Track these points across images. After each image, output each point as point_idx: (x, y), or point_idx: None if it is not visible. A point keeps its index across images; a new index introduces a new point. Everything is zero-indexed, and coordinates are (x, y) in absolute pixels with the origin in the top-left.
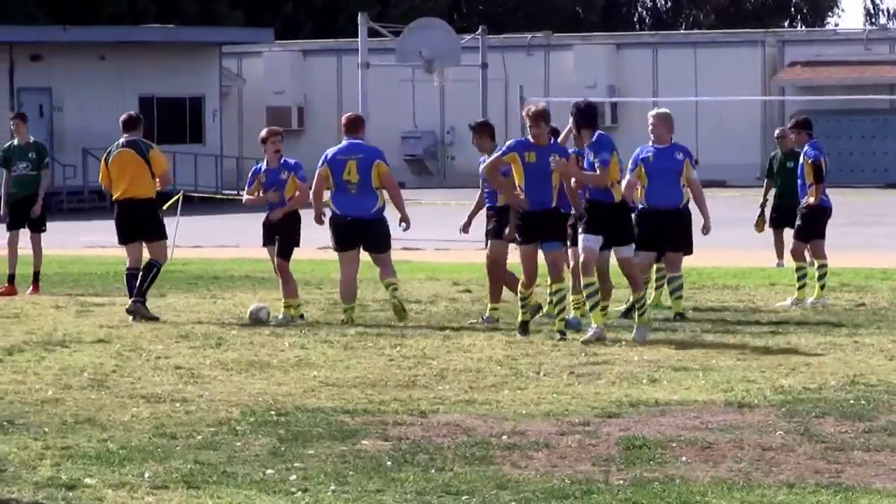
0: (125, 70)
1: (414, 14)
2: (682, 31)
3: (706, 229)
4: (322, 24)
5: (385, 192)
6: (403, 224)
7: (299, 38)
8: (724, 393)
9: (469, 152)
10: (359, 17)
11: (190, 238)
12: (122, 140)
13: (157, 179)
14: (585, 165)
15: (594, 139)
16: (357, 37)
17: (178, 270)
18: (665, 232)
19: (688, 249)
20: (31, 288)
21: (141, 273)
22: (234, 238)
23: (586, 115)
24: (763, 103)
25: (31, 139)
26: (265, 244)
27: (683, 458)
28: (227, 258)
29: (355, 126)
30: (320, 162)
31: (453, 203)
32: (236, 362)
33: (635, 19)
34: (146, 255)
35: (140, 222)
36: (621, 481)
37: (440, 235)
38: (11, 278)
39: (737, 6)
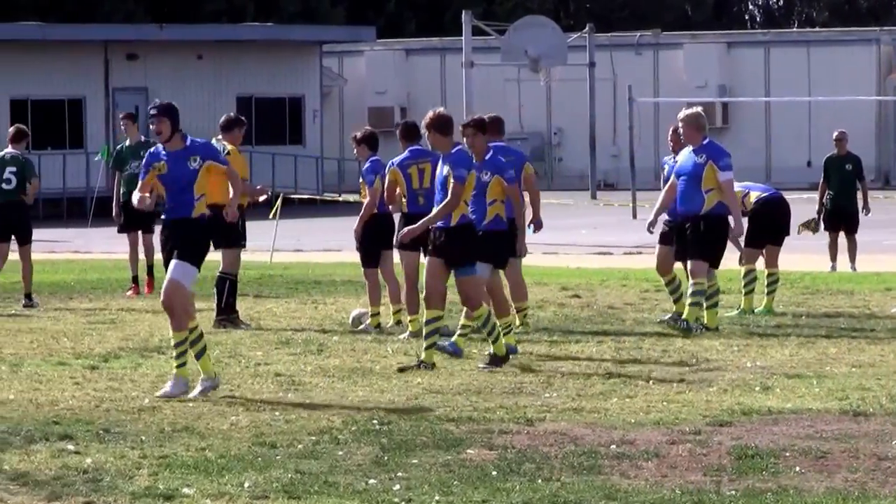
0: (223, 70)
1: (520, 12)
2: (794, 29)
3: (736, 233)
4: (426, 22)
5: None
6: (533, 227)
7: (402, 37)
8: (839, 401)
9: (576, 153)
10: (463, 15)
11: (290, 242)
12: (213, 141)
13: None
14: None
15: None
16: (461, 35)
17: (279, 275)
18: (683, 239)
19: (708, 259)
20: (146, 287)
21: (215, 290)
22: (336, 241)
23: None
24: (878, 103)
25: (142, 138)
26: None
27: (797, 468)
28: (328, 262)
29: (499, 127)
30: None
31: (560, 205)
32: (338, 369)
33: (746, 17)
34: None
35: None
36: (733, 492)
37: (548, 239)
38: (135, 279)
39: (851, 3)
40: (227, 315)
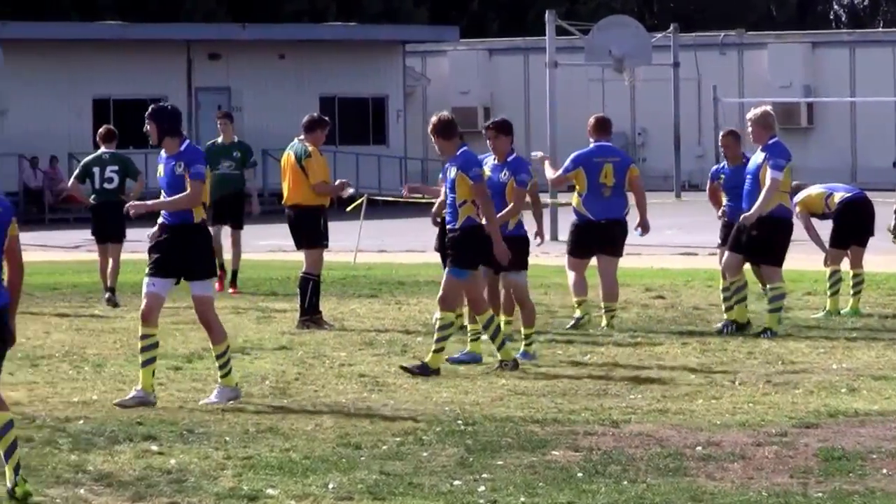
0: (306, 69)
1: (603, 11)
2: (880, 29)
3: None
4: (509, 21)
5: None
6: (640, 229)
7: (485, 37)
8: None
9: (660, 153)
10: (546, 15)
11: (373, 242)
12: (295, 141)
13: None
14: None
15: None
16: (545, 35)
17: (362, 276)
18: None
19: (777, 263)
20: (230, 288)
21: (298, 291)
22: (420, 242)
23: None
24: None
25: (236, 138)
26: None
27: (884, 471)
28: (412, 263)
29: (605, 127)
30: (569, 164)
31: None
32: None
33: (831, 17)
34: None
35: (295, 228)
36: (820, 494)
37: (632, 240)
38: (220, 267)
39: None
40: (311, 315)
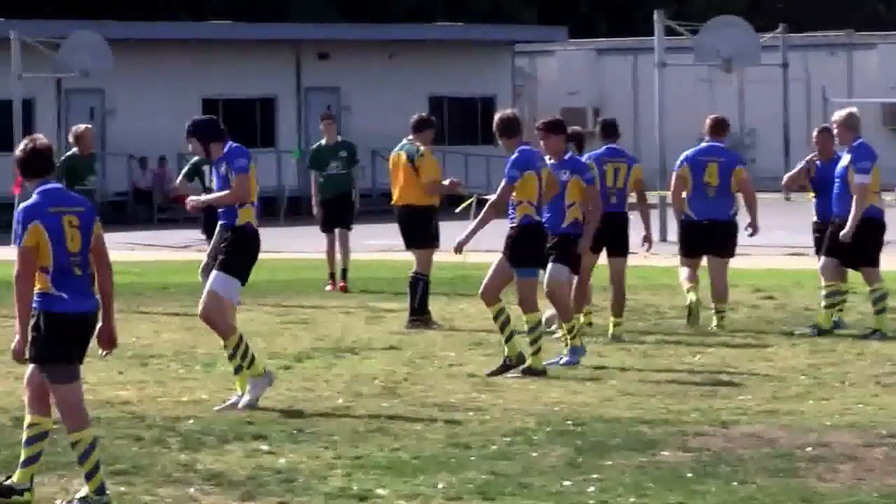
0: (414, 69)
1: (711, 12)
2: None
3: (844, 237)
4: (617, 22)
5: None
6: (751, 230)
7: (594, 37)
8: None
9: (769, 154)
10: (655, 15)
11: (483, 242)
12: (404, 141)
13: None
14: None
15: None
16: (653, 35)
17: (472, 275)
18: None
19: (874, 264)
20: (340, 283)
21: (408, 291)
22: None
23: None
24: None
25: (340, 138)
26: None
27: None
28: None
29: (720, 128)
30: (678, 163)
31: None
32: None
33: None
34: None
35: (406, 229)
36: None
37: (741, 241)
38: (332, 276)
39: None
40: (420, 315)
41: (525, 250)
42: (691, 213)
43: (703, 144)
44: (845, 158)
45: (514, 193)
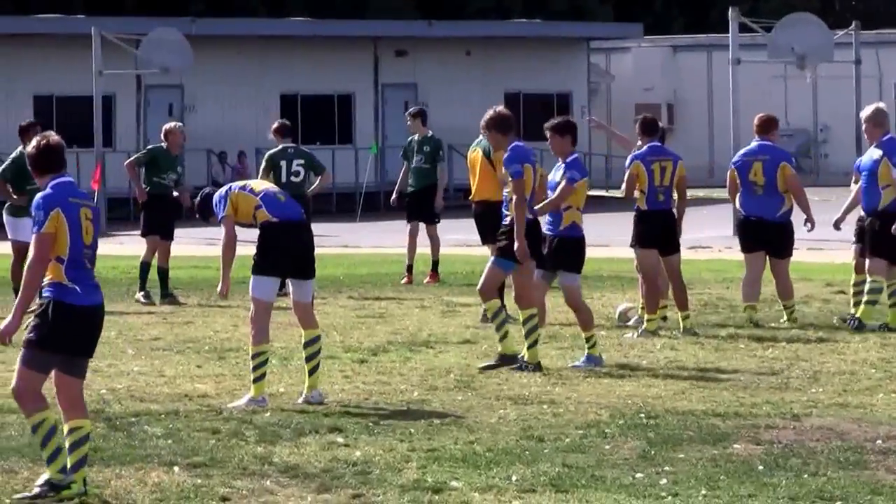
0: (491, 65)
1: (785, 9)
2: None
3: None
4: (692, 19)
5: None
6: (808, 225)
7: (669, 34)
8: None
9: (842, 150)
10: (730, 13)
11: None
12: (481, 137)
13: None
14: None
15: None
16: (728, 32)
17: None
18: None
19: (885, 257)
20: (428, 277)
21: None
22: (605, 236)
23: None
24: None
25: (429, 133)
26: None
27: None
28: (597, 257)
29: (768, 126)
30: (730, 165)
31: (822, 201)
32: (605, 364)
33: None
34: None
35: (482, 224)
36: None
37: (814, 235)
38: (410, 268)
39: None
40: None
41: (573, 257)
42: (741, 210)
43: (753, 144)
44: (874, 152)
45: (507, 189)
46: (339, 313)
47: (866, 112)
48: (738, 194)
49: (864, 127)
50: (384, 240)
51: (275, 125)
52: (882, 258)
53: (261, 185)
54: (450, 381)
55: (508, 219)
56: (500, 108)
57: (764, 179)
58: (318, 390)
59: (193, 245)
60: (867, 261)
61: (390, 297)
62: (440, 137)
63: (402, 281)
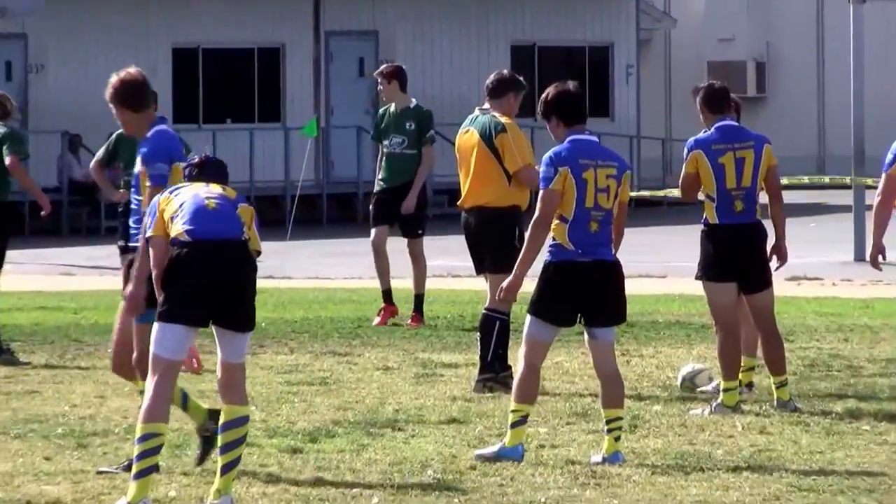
0: (492, 5)
1: None
2: None
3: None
4: None
5: None
6: None
7: None
8: None
9: None
10: None
11: None
12: (476, 112)
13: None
14: None
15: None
16: None
17: None
18: None
19: None
20: (410, 319)
21: (478, 336)
22: (661, 263)
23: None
24: None
25: (412, 102)
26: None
27: None
28: (645, 294)
29: None
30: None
31: None
32: (660, 454)
33: None
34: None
35: (477, 242)
36: None
37: None
38: (388, 295)
39: None
40: (496, 373)
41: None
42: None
43: None
44: None
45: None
46: (261, 378)
47: None
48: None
49: None
50: (328, 267)
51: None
52: None
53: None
54: (427, 479)
55: None
56: (503, 70)
57: None
58: (228, 497)
59: (40, 275)
60: None
61: (338, 354)
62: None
63: (375, 321)
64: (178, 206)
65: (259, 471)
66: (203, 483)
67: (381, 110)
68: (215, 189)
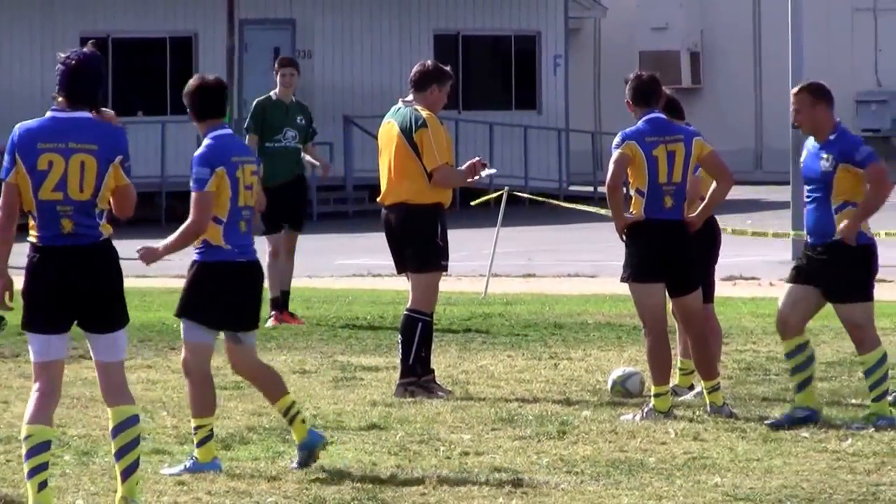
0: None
1: None
2: None
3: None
4: None
5: None
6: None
7: None
8: None
9: None
10: None
11: (517, 263)
12: (398, 104)
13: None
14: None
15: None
16: None
17: (497, 314)
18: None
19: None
20: (272, 318)
21: (399, 338)
22: (590, 262)
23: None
24: None
25: (294, 98)
26: None
27: None
28: (574, 294)
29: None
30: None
31: None
32: (592, 463)
33: None
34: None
35: (398, 240)
36: None
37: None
38: (278, 303)
39: None
40: (417, 377)
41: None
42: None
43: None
44: None
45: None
46: (171, 382)
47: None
48: None
49: None
50: None
51: None
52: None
53: None
54: (345, 490)
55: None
56: (428, 62)
57: None
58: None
59: None
60: None
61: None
62: (332, 104)
63: (269, 323)
64: None
65: (169, 479)
66: (111, 491)
67: (258, 102)
68: None
